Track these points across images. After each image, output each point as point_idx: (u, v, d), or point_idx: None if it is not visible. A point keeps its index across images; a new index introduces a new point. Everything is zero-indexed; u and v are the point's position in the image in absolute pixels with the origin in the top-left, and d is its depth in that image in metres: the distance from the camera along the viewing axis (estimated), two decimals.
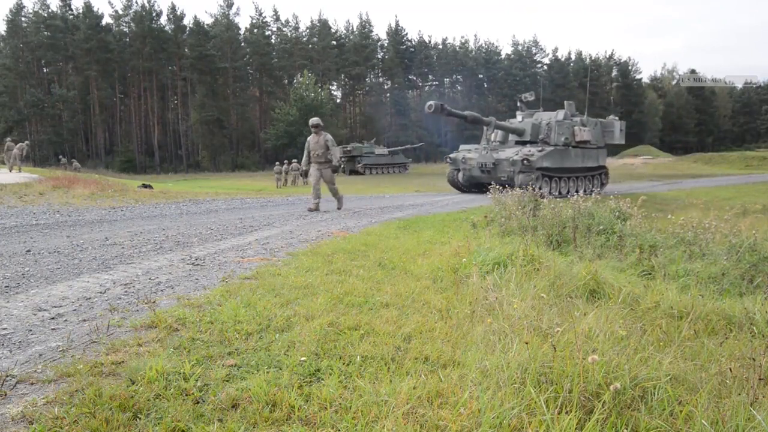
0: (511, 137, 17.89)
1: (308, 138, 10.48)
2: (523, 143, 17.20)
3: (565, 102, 19.02)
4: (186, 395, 2.10)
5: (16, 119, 49.52)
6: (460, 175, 17.56)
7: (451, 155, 17.95)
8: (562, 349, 2.27)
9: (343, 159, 42.43)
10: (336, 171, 10.60)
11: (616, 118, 20.13)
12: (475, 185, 17.50)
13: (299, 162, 30.07)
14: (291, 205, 11.84)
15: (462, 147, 18.44)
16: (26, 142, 24.96)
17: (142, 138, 56.89)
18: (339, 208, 10.75)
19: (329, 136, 10.43)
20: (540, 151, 15.86)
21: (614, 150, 60.96)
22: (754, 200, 13.92)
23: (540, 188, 14.58)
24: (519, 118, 18.29)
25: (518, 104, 19.41)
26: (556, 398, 2.00)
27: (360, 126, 67.02)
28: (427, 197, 15.66)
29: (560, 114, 17.68)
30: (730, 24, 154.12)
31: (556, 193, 16.00)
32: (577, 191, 16.73)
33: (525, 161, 15.42)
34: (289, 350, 2.58)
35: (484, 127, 17.55)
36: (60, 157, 39.43)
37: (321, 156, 10.34)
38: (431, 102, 14.88)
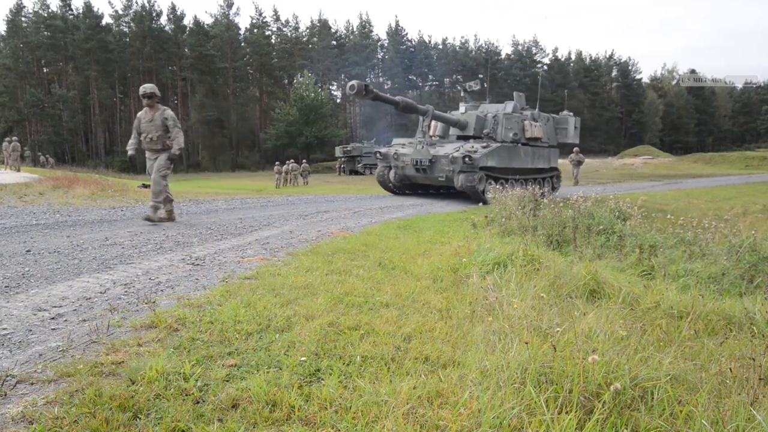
0: (453, 131, 15.54)
1: (138, 114, 7.67)
2: (466, 138, 14.92)
3: (515, 93, 16.53)
4: (186, 395, 2.10)
5: (16, 119, 49.55)
6: (392, 173, 14.97)
7: (382, 150, 15.34)
8: (562, 349, 2.27)
9: (343, 159, 42.75)
10: (172, 161, 7.64)
11: (571, 114, 17.81)
12: (408, 186, 15.41)
13: (298, 162, 30.41)
14: (291, 205, 11.83)
15: (395, 141, 16.03)
16: (13, 137, 24.84)
17: None
18: (150, 218, 7.46)
19: (170, 113, 7.54)
20: (484, 147, 13.48)
21: (615, 150, 61.28)
22: (754, 200, 13.93)
23: (483, 192, 12.97)
24: (462, 109, 15.82)
25: (462, 94, 17.14)
26: (556, 398, 2.00)
27: (360, 126, 67.06)
28: (426, 197, 15.64)
29: (509, 106, 15.33)
30: (730, 24, 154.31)
31: None
32: None
33: (467, 159, 12.94)
34: (289, 350, 2.58)
35: (420, 118, 14.76)
36: (24, 148, 36.95)
37: (156, 140, 7.45)
38: (353, 82, 12.02)
